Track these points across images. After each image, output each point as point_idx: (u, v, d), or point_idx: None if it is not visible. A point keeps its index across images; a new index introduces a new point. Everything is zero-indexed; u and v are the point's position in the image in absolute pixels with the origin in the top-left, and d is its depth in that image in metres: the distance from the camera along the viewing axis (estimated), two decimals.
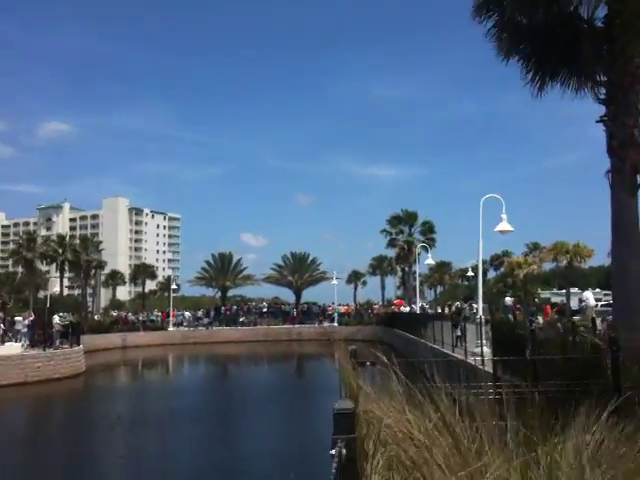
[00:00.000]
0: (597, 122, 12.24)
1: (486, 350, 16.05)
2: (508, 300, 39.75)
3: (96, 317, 66.39)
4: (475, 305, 39.79)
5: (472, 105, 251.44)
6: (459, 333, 23.65)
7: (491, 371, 11.28)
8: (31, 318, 36.13)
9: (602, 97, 12.27)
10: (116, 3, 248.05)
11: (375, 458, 4.61)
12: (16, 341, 34.99)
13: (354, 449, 3.93)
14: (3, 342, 33.23)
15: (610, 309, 18.89)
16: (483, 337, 18.08)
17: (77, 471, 15.05)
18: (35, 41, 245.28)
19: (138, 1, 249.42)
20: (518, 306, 36.28)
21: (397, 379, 6.01)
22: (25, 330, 34.82)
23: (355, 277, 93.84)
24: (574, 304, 51.63)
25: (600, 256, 61.61)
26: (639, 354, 7.97)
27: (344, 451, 3.74)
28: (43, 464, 15.90)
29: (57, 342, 34.36)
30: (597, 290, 64.70)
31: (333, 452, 3.71)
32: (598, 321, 25.77)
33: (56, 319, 36.20)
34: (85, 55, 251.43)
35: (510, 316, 27.75)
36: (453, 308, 51.15)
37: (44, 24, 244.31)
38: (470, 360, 13.00)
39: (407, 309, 56.77)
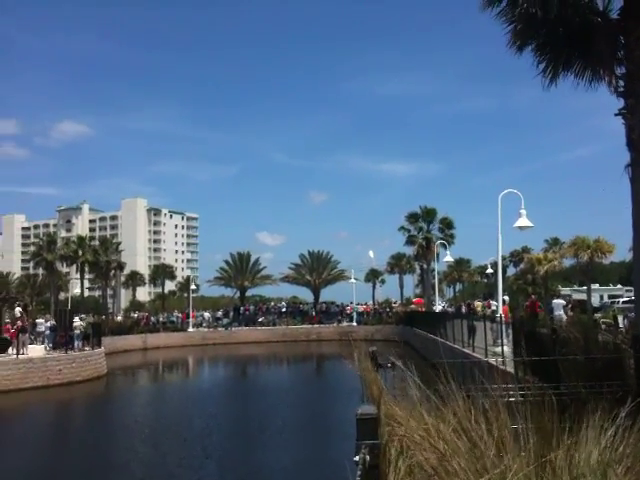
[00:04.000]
0: (616, 115, 12.07)
1: (507, 349, 15.96)
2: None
3: (118, 318, 66.80)
4: (494, 303, 39.54)
5: (486, 100, 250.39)
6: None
7: (511, 370, 11.22)
8: (52, 322, 36.38)
9: (620, 90, 12.09)
10: (128, 5, 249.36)
11: (397, 465, 4.59)
12: (40, 344, 35.32)
13: (377, 455, 3.92)
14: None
15: (632, 305, 18.64)
16: (504, 336, 17.98)
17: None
18: (45, 44, 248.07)
19: (150, 3, 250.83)
20: (539, 304, 35.92)
21: (416, 383, 5.99)
22: (48, 332, 35.08)
23: (373, 276, 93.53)
24: (595, 301, 51.32)
25: (621, 251, 61.01)
26: None
27: (368, 457, 3.73)
28: (63, 471, 15.96)
29: (78, 344, 34.53)
30: (619, 286, 64.19)
31: (357, 458, 3.69)
32: (620, 318, 25.63)
33: (77, 321, 36.42)
34: (97, 57, 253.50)
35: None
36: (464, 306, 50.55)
37: (55, 27, 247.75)
38: (491, 360, 12.91)
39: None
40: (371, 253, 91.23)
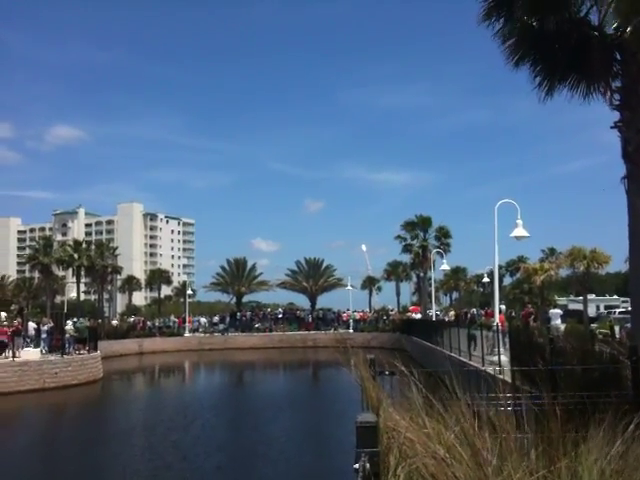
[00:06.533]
0: (612, 128, 12.17)
1: (504, 359, 16.00)
2: None
3: (113, 322, 66.72)
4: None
5: (484, 112, 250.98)
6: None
7: (509, 380, 11.25)
8: (50, 324, 36.32)
9: (616, 103, 12.19)
10: (128, 13, 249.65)
11: (396, 472, 4.61)
12: (35, 347, 35.24)
13: (377, 463, 3.93)
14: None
15: (629, 316, 18.68)
16: (500, 345, 18.00)
17: None
18: (42, 51, 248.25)
19: (149, 11, 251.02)
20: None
21: (416, 390, 6.00)
22: (44, 336, 34.99)
23: (370, 283, 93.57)
24: (591, 311, 51.42)
25: (617, 262, 61.18)
26: None
27: (368, 465, 3.75)
28: (52, 475, 15.89)
29: (70, 348, 34.37)
30: (615, 297, 64.31)
31: (357, 466, 3.71)
32: (617, 329, 25.68)
33: (69, 325, 36.34)
34: (95, 64, 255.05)
35: None
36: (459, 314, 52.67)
37: (54, 33, 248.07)
38: (489, 369, 12.94)
39: (419, 316, 57.02)
40: (364, 247, 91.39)
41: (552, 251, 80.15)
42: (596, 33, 12.30)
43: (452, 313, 57.19)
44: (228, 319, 67.01)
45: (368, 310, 76.76)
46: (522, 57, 12.81)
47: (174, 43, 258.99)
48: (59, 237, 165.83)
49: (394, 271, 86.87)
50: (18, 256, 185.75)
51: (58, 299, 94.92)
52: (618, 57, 12.15)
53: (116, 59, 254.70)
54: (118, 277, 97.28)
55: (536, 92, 12.89)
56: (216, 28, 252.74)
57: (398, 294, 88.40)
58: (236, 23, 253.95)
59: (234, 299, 76.29)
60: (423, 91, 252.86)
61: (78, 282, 76.30)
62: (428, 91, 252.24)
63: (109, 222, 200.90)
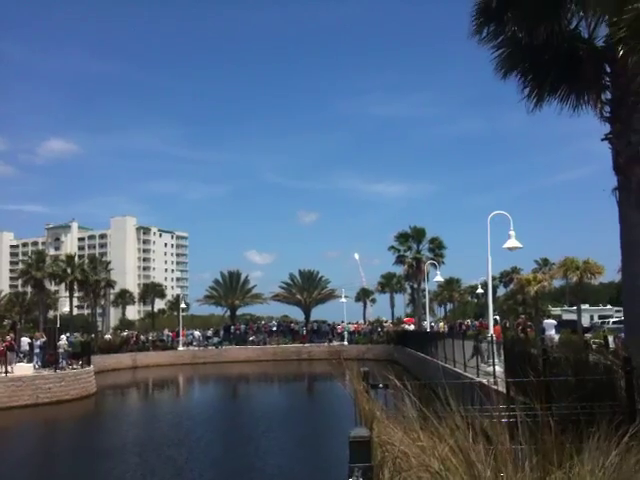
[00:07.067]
0: (602, 140, 12.25)
1: (499, 369, 15.99)
2: None
3: (106, 336, 66.44)
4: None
5: (478, 122, 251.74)
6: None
7: (504, 390, 11.24)
8: (43, 339, 36.15)
9: (607, 115, 12.27)
10: (122, 22, 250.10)
11: None
12: (28, 362, 35.07)
13: (371, 478, 3.92)
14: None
15: (622, 326, 18.69)
16: (495, 356, 18.00)
17: None
18: (38, 60, 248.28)
19: (144, 20, 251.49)
20: (529, 324, 36.06)
21: (410, 403, 5.99)
22: (38, 351, 34.82)
23: (364, 295, 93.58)
24: (585, 321, 51.49)
25: (610, 272, 61.35)
26: None
27: None
28: None
29: (63, 362, 34.25)
30: (609, 307, 64.48)
31: None
32: (610, 339, 25.68)
33: (63, 340, 36.16)
34: (88, 75, 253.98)
35: None
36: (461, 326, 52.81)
37: (48, 44, 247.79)
38: (483, 380, 12.95)
39: (412, 327, 57.14)
40: (356, 255, 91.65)
41: (545, 262, 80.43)
42: (586, 45, 12.41)
43: (442, 324, 57.76)
44: (222, 332, 66.84)
45: (362, 322, 76.70)
46: (511, 68, 12.94)
47: (170, 52, 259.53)
48: (52, 251, 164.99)
49: (388, 283, 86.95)
50: (11, 271, 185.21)
51: (51, 314, 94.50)
52: (608, 69, 12.26)
53: (111, 68, 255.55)
54: (111, 291, 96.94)
55: (525, 103, 13.01)
56: (210, 38, 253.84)
57: (392, 305, 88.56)
58: (233, 31, 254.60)
59: (228, 312, 76.12)
60: (420, 101, 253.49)
61: (71, 296, 75.97)
62: (425, 101, 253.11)
63: (102, 236, 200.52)
